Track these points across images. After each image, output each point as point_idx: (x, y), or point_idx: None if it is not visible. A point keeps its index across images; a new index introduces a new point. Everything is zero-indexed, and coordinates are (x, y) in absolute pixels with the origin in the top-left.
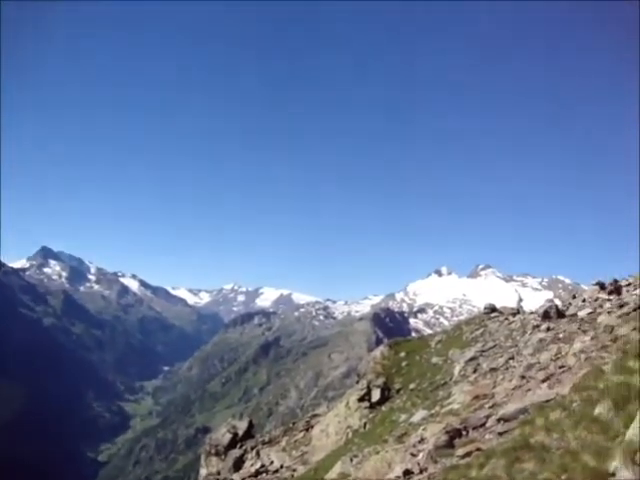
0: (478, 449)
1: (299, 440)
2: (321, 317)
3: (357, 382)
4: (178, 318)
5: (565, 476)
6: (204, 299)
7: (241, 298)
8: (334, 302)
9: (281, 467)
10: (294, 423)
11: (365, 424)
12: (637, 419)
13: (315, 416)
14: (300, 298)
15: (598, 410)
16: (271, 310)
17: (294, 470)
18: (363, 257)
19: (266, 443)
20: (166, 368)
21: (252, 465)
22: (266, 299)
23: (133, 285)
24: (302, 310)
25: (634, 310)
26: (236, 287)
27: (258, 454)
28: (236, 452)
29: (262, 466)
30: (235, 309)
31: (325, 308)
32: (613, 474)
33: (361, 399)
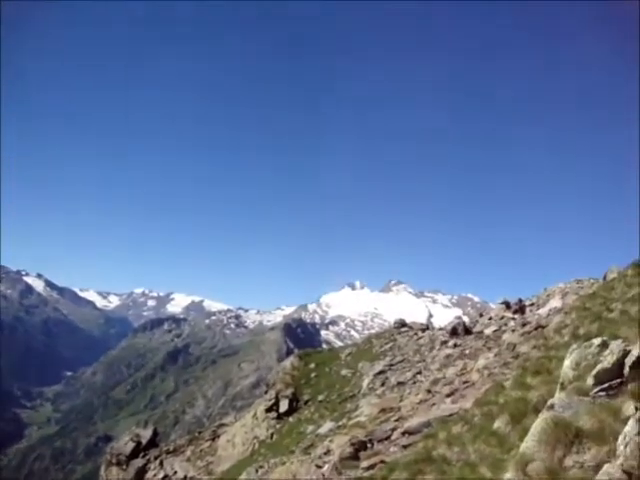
0: (382, 461)
1: (205, 450)
2: (232, 325)
3: (266, 392)
4: (85, 321)
5: None
6: (113, 302)
7: (152, 303)
8: (246, 311)
9: (185, 477)
10: (200, 432)
11: (272, 435)
12: (530, 432)
13: (222, 426)
14: (212, 305)
15: (497, 424)
16: (182, 316)
17: None
18: (277, 267)
19: (170, 452)
20: (69, 373)
21: (155, 475)
22: (177, 305)
23: (38, 285)
24: (213, 318)
25: (535, 329)
26: (147, 291)
27: (162, 464)
28: (139, 462)
29: (165, 476)
30: (145, 314)
31: (237, 316)
32: None
33: (269, 409)
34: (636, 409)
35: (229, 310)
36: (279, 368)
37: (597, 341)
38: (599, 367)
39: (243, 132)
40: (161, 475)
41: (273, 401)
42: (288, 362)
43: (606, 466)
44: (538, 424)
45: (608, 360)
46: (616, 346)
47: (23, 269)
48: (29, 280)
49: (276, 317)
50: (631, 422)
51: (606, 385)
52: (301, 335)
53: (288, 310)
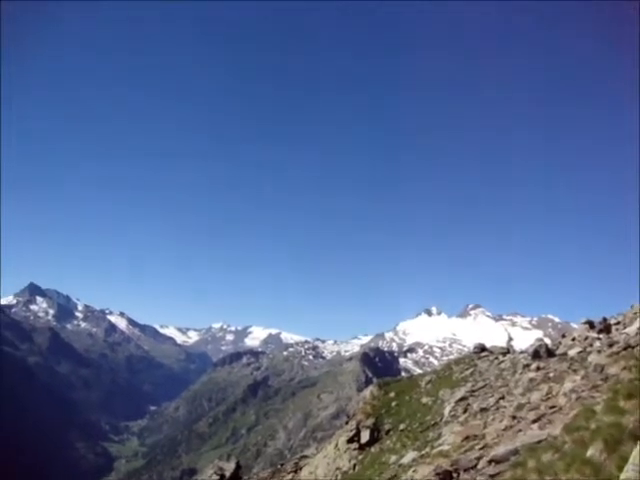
0: None
1: None
2: (310, 357)
3: (346, 423)
4: (166, 357)
5: None
6: (192, 338)
7: (230, 337)
8: (323, 342)
9: None
10: (282, 464)
11: (354, 466)
12: (630, 461)
13: (304, 457)
14: (289, 337)
15: (590, 452)
16: (260, 349)
17: None
18: (353, 296)
19: None
20: (153, 408)
21: None
22: (255, 338)
23: (121, 323)
24: (291, 349)
25: (624, 349)
26: (225, 326)
27: None
28: None
29: None
30: (224, 348)
31: (314, 348)
32: None
33: (350, 440)
34: None
35: (306, 341)
36: (359, 398)
37: None
38: None
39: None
40: None
41: (354, 431)
42: (367, 392)
43: None
44: (637, 452)
45: None
46: None
47: (107, 308)
48: (112, 318)
49: (353, 347)
50: None
51: None
52: (379, 364)
53: (365, 339)
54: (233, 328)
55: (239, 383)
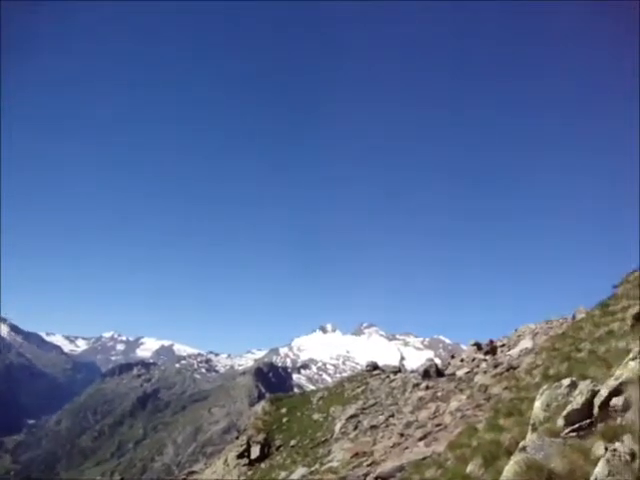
0: None
1: None
2: (203, 370)
3: (237, 438)
4: (50, 366)
5: None
6: (81, 347)
7: (120, 347)
8: (217, 355)
9: None
10: None
11: None
12: (503, 475)
13: (192, 473)
14: (182, 349)
15: (470, 467)
16: (151, 361)
17: None
18: (248, 310)
19: None
20: (31, 422)
21: None
22: (147, 349)
23: (2, 330)
24: (183, 362)
25: (507, 370)
26: (116, 335)
27: None
28: None
29: None
30: (114, 358)
31: (207, 361)
32: None
33: (240, 456)
34: (606, 449)
35: (200, 354)
36: (250, 413)
37: (566, 382)
38: (569, 408)
39: (219, 184)
40: None
41: (244, 447)
42: (259, 407)
43: None
44: (511, 467)
45: (577, 401)
46: (585, 386)
47: None
48: None
49: (247, 361)
50: (601, 463)
51: (576, 426)
52: (272, 379)
53: (259, 354)
54: (124, 338)
55: (128, 395)
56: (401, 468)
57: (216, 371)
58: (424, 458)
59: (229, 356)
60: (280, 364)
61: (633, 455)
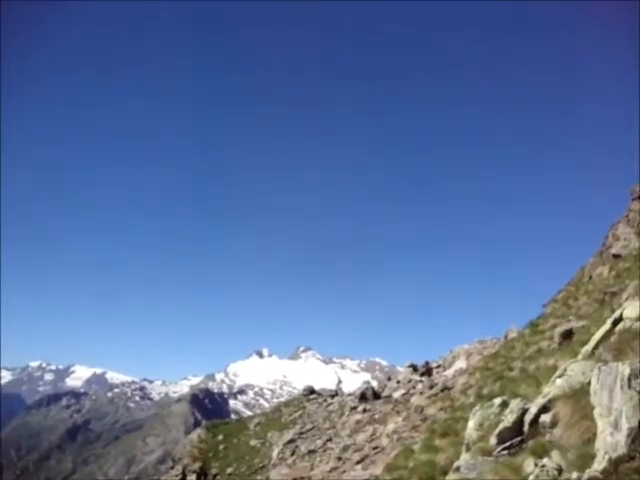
0: None
1: None
2: (137, 398)
3: (172, 467)
4: None
5: None
6: (5, 378)
7: (49, 377)
8: (151, 382)
9: None
10: None
11: None
12: None
13: None
14: (115, 377)
15: None
16: (82, 390)
17: None
18: (182, 336)
19: None
20: None
21: None
22: (77, 378)
23: None
24: (116, 390)
25: (442, 391)
26: (44, 365)
27: None
28: None
29: None
30: (41, 389)
31: (141, 388)
32: None
33: None
34: (535, 465)
35: (133, 382)
36: (186, 441)
37: (498, 401)
38: (501, 426)
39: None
40: None
41: (180, 477)
42: (195, 434)
43: None
44: None
45: (508, 419)
46: (515, 405)
47: None
48: None
49: (182, 388)
50: (531, 479)
51: (508, 444)
52: (209, 405)
53: (195, 380)
54: (54, 367)
55: (56, 427)
56: None
57: (150, 399)
58: None
59: (164, 383)
60: (216, 390)
61: (560, 470)
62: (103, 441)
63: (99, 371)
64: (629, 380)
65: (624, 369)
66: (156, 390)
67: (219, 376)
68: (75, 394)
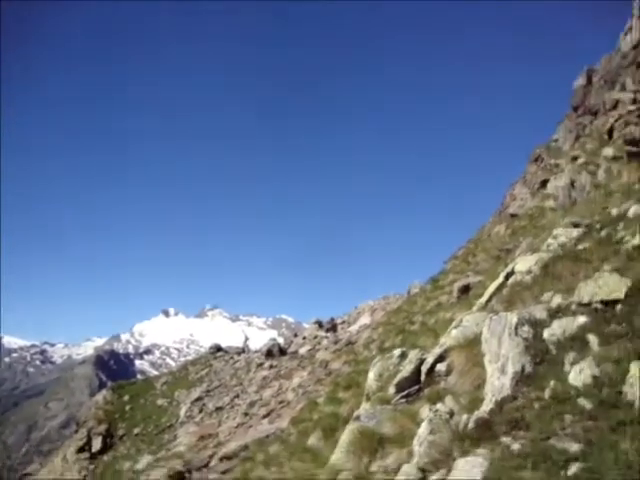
0: None
1: None
2: (37, 362)
3: (76, 431)
4: None
5: None
6: None
7: None
8: (52, 345)
9: None
10: None
11: (85, 477)
12: (339, 444)
13: (25, 476)
14: (12, 342)
15: (311, 440)
16: None
17: None
18: (86, 296)
19: None
20: None
21: None
22: None
23: None
24: (14, 355)
25: (346, 345)
26: None
27: None
28: None
29: None
30: None
31: (42, 352)
32: None
33: (80, 450)
34: (430, 411)
35: (33, 345)
36: (90, 404)
37: (397, 352)
38: (399, 376)
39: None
40: None
41: (85, 440)
42: (100, 396)
43: (404, 466)
44: (345, 435)
45: (407, 369)
46: (414, 355)
47: None
48: None
49: (86, 350)
50: (424, 424)
51: (405, 392)
52: (114, 367)
53: (99, 341)
54: None
55: None
56: (245, 447)
57: (52, 362)
58: (268, 435)
59: (66, 346)
60: (122, 351)
61: (452, 414)
62: (1, 409)
63: None
64: (516, 328)
65: (512, 318)
66: (58, 353)
67: (124, 336)
68: None
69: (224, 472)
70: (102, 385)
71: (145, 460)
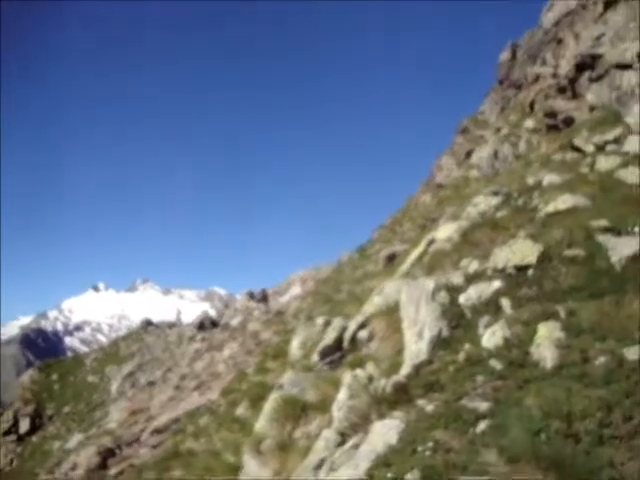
0: (131, 465)
1: None
2: None
3: (1, 414)
4: None
5: (209, 476)
6: None
7: None
8: None
9: None
10: None
11: (12, 461)
12: (262, 413)
13: None
14: None
15: (239, 410)
16: None
17: None
18: (10, 273)
19: None
20: None
21: None
22: None
23: None
24: None
25: (275, 315)
26: None
27: None
28: None
29: None
30: None
31: None
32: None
33: (7, 432)
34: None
35: None
36: (16, 385)
37: (321, 320)
38: (322, 343)
39: None
40: None
41: (11, 422)
42: (26, 377)
43: (324, 431)
44: (269, 404)
45: (330, 336)
46: (337, 322)
47: None
48: None
49: (12, 329)
50: (343, 389)
51: (328, 359)
52: (42, 345)
53: (25, 320)
54: None
55: None
56: (176, 420)
57: None
58: (198, 407)
59: None
60: (50, 329)
61: (371, 379)
62: None
63: None
64: (433, 294)
65: (429, 284)
66: None
67: (52, 314)
68: None
69: (155, 446)
70: (30, 365)
71: (76, 439)
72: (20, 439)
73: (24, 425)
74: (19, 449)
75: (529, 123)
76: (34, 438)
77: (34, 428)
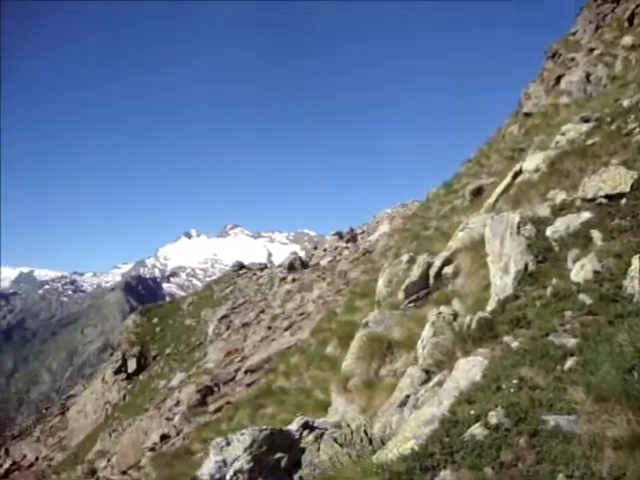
0: (228, 402)
1: (55, 426)
2: (69, 292)
3: (112, 355)
4: None
5: (299, 412)
6: None
7: None
8: (82, 274)
9: (36, 459)
10: (48, 408)
11: (124, 396)
12: (349, 351)
13: (70, 397)
14: (43, 274)
15: (328, 349)
16: (11, 291)
17: (51, 459)
18: (109, 224)
19: (16, 437)
20: None
21: (1, 466)
22: (4, 279)
23: None
24: (47, 287)
25: (363, 254)
26: None
27: (7, 452)
28: None
29: (14, 463)
30: None
31: (72, 282)
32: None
33: (117, 371)
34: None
35: (63, 276)
36: (122, 328)
37: (405, 257)
38: (407, 281)
39: None
40: (8, 463)
41: (120, 362)
42: (130, 320)
43: (409, 368)
44: (355, 342)
45: (415, 273)
46: (422, 259)
47: None
48: None
49: (114, 277)
50: (427, 327)
51: (414, 297)
52: (143, 291)
53: (126, 268)
54: None
55: None
56: (268, 359)
57: (83, 291)
58: (289, 347)
59: (95, 274)
60: (148, 275)
61: (455, 315)
62: (40, 338)
63: (25, 270)
64: (518, 227)
65: (514, 217)
66: (88, 282)
67: (150, 261)
68: (4, 295)
69: (249, 384)
70: (133, 310)
71: (178, 378)
72: (129, 377)
73: (131, 365)
74: (129, 386)
75: (627, 40)
76: (141, 377)
77: (140, 367)
